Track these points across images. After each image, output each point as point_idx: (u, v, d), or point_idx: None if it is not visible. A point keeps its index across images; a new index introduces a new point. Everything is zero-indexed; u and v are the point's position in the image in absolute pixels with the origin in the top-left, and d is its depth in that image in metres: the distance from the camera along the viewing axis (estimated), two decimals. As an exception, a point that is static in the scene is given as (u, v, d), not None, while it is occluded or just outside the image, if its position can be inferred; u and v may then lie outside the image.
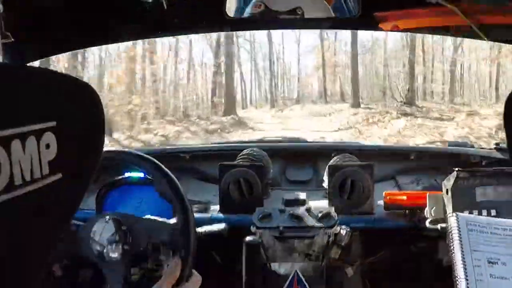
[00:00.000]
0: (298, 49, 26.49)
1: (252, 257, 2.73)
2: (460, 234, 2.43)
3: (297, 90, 26.79)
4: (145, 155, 2.54)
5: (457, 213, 2.52)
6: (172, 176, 2.47)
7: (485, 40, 2.56)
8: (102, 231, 2.39)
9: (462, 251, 2.38)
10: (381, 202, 3.04)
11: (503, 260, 2.36)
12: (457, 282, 2.33)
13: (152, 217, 2.46)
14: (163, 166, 2.49)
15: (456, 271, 2.35)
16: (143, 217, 2.47)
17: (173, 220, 2.41)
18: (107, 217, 2.42)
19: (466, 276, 2.32)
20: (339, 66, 25.90)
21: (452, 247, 2.42)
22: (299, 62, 26.61)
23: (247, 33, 23.16)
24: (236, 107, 22.03)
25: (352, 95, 24.14)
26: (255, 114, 23.35)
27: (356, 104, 23.33)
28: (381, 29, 2.65)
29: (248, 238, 2.74)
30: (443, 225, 2.69)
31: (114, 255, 2.37)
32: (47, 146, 0.87)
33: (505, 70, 21.48)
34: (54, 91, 0.92)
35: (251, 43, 25.64)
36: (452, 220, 2.49)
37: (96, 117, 1.00)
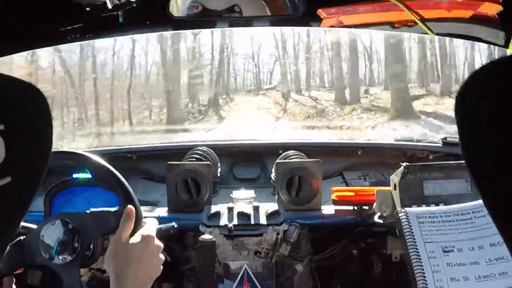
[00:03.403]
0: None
1: (205, 256, 2.72)
2: (411, 229, 2.44)
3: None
4: (87, 154, 2.52)
5: (406, 208, 2.53)
6: (113, 169, 2.45)
7: (430, 34, 2.57)
8: (50, 234, 2.37)
9: (415, 245, 2.40)
10: (329, 199, 3.04)
11: (458, 247, 2.38)
12: (414, 276, 2.34)
13: (96, 209, 2.45)
14: (104, 162, 2.47)
15: (411, 266, 2.37)
16: (87, 211, 2.45)
17: (116, 207, 2.40)
18: (53, 219, 2.40)
19: (422, 269, 2.33)
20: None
21: (404, 243, 2.43)
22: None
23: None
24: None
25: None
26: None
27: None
28: (324, 26, 2.65)
29: (202, 237, 2.72)
30: (392, 220, 2.69)
31: (65, 255, 2.34)
32: None
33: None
34: (1, 94, 0.90)
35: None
36: (401, 216, 2.50)
37: (44, 118, 0.98)
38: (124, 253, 2.08)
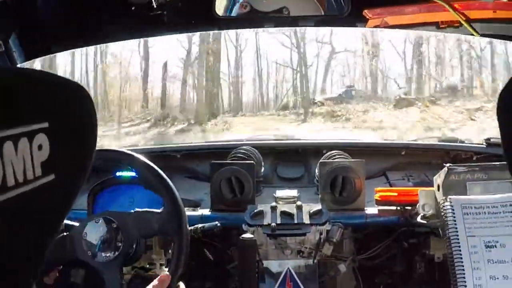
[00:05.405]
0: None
1: (246, 255, 2.72)
2: (455, 223, 2.43)
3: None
4: (132, 153, 2.54)
5: (451, 197, 2.52)
6: (159, 170, 2.47)
7: (475, 35, 2.57)
8: (94, 231, 2.40)
9: (458, 241, 2.39)
10: (372, 199, 3.04)
11: (502, 242, 2.37)
12: (455, 273, 2.34)
13: (140, 210, 2.47)
14: (150, 162, 2.49)
15: (452, 263, 2.36)
16: (131, 211, 2.47)
17: (161, 209, 2.41)
18: (97, 217, 2.43)
19: (462, 267, 2.33)
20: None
21: (447, 238, 2.43)
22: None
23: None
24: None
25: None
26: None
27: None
28: (369, 26, 2.65)
29: (243, 236, 2.73)
30: (435, 220, 2.69)
31: (108, 254, 2.37)
32: (40, 147, 0.87)
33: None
34: (46, 92, 0.92)
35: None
36: (446, 207, 2.49)
37: (88, 117, 1.00)
38: None
